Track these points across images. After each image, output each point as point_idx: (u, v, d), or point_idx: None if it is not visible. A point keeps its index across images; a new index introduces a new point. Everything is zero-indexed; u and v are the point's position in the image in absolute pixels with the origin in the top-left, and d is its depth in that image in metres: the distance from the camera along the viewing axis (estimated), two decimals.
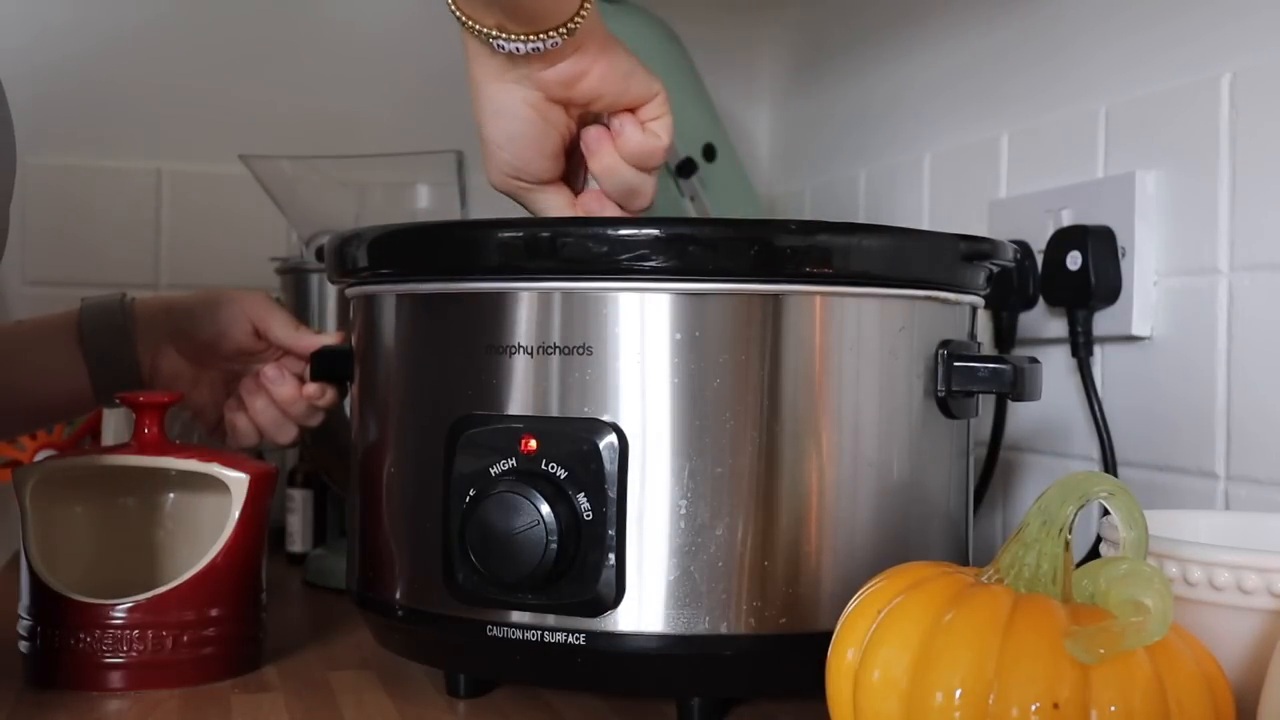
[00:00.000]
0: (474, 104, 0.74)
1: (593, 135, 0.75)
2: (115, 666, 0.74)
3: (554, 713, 0.71)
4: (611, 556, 0.64)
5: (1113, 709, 0.47)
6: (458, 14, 0.70)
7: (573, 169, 0.78)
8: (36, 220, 1.24)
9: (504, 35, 0.69)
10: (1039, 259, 0.94)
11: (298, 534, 1.17)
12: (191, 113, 1.35)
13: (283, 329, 0.88)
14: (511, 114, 0.73)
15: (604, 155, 0.75)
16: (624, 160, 0.75)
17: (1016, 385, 0.69)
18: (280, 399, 0.87)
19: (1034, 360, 0.72)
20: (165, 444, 0.80)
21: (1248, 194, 0.81)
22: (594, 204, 0.77)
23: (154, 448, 0.80)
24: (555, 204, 0.77)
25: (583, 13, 0.69)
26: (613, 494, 0.64)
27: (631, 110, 0.75)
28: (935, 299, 0.70)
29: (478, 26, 0.69)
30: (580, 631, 0.64)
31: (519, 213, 0.79)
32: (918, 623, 0.50)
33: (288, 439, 0.90)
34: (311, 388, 0.88)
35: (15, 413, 0.91)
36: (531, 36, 0.69)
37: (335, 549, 1.10)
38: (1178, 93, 0.86)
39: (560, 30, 0.69)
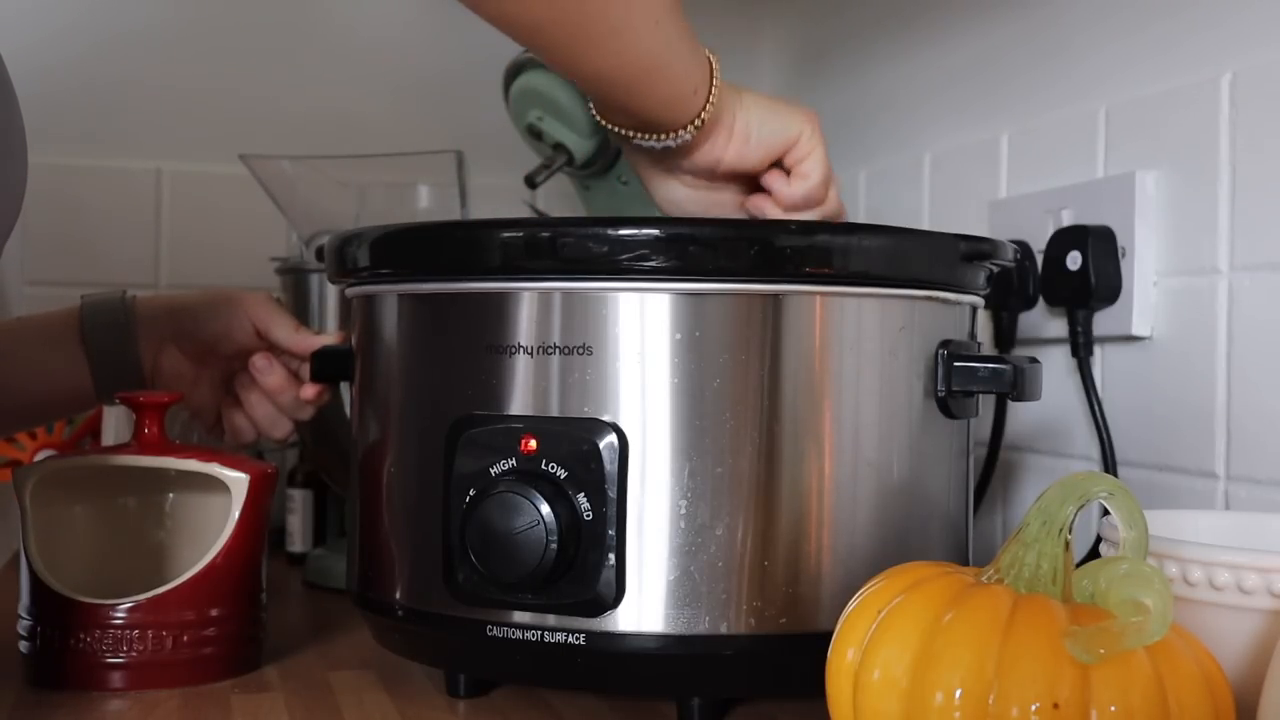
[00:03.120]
0: (650, 197, 0.85)
1: (756, 204, 0.84)
2: (115, 666, 0.74)
3: (554, 713, 0.71)
4: (611, 556, 0.64)
5: (1113, 709, 0.47)
6: (600, 119, 0.80)
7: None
8: (36, 220, 1.24)
9: (639, 136, 0.78)
10: (1039, 259, 0.94)
11: (298, 534, 1.17)
12: (191, 113, 1.35)
13: (283, 330, 0.89)
14: (679, 199, 0.83)
15: (772, 216, 0.83)
16: (789, 210, 0.83)
17: (1016, 385, 0.69)
18: (269, 388, 0.88)
19: (1034, 360, 0.72)
20: (165, 444, 0.80)
21: (1248, 194, 0.81)
22: None
23: (154, 448, 0.80)
24: None
25: (707, 109, 0.77)
26: (613, 494, 0.64)
27: (780, 160, 0.83)
28: (935, 299, 0.70)
29: (619, 130, 0.79)
30: (580, 631, 0.65)
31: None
32: (918, 623, 0.50)
33: (282, 434, 0.91)
34: (310, 388, 0.88)
35: (15, 410, 0.91)
36: (662, 136, 0.78)
37: (335, 549, 1.10)
38: (1178, 93, 0.86)
39: (688, 128, 0.77)
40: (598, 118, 0.79)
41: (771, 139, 0.81)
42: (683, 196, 0.83)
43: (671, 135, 0.77)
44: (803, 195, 0.82)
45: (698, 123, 0.77)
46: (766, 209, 0.83)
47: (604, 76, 0.73)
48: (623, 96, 0.75)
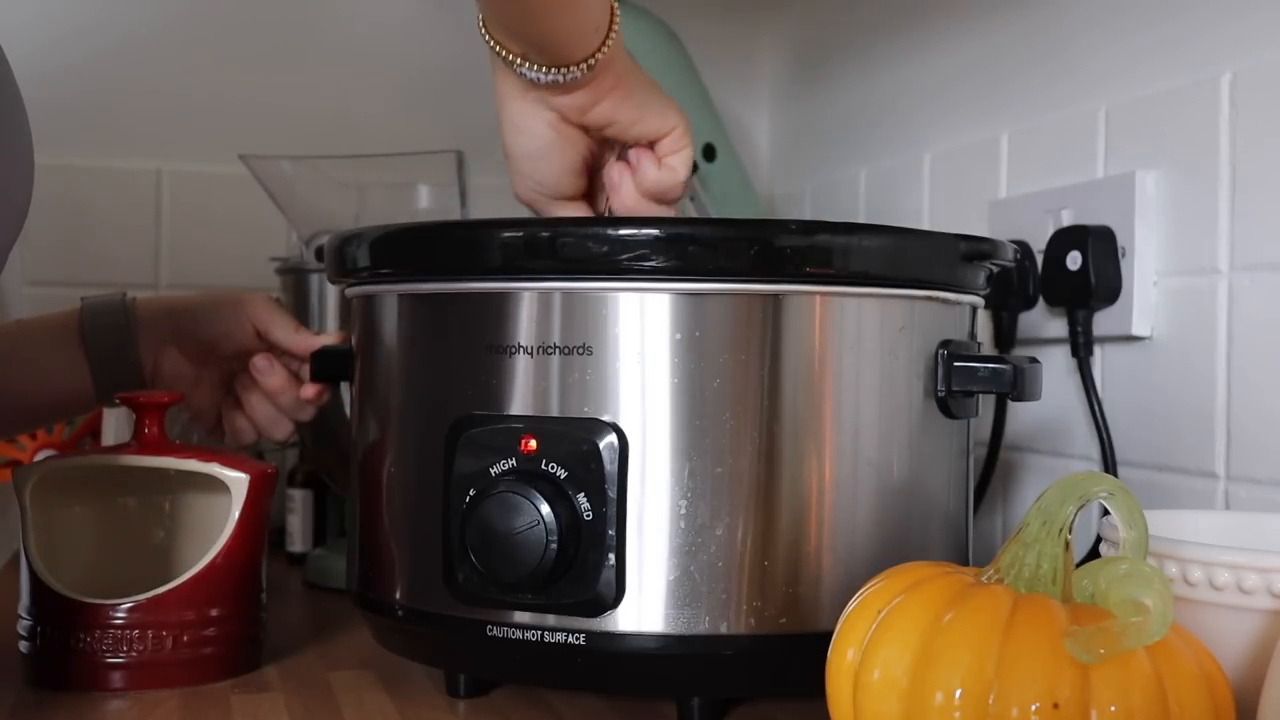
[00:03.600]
0: (499, 119, 0.77)
1: (614, 172, 0.78)
2: (115, 666, 0.74)
3: (554, 713, 0.71)
4: (611, 556, 0.64)
5: (1113, 709, 0.47)
6: (486, 37, 0.73)
7: (595, 188, 0.80)
8: (36, 220, 1.23)
9: (527, 64, 0.72)
10: (1039, 259, 0.94)
11: (298, 534, 1.17)
12: (191, 113, 1.35)
13: (284, 331, 0.89)
14: (531, 132, 0.76)
15: (624, 193, 0.78)
16: (644, 195, 0.78)
17: (1016, 385, 0.69)
18: (269, 389, 0.88)
19: (1034, 360, 0.72)
20: (165, 444, 0.80)
21: (1248, 194, 0.81)
22: None
23: (154, 448, 0.80)
24: None
25: (604, 49, 0.72)
26: (613, 494, 0.64)
27: (651, 143, 0.78)
28: (935, 299, 0.70)
29: (504, 52, 0.72)
30: (580, 631, 0.65)
31: (520, 212, 0.79)
32: (918, 623, 0.50)
33: (283, 435, 0.91)
34: (309, 389, 0.88)
35: (16, 411, 0.91)
36: (553, 69, 0.72)
37: (335, 549, 1.10)
38: (1178, 93, 0.86)
39: (580, 65, 0.72)
40: (484, 33, 0.73)
41: (652, 114, 0.77)
42: (537, 131, 0.76)
43: (561, 70, 0.72)
44: (665, 186, 0.78)
45: (592, 61, 0.72)
46: (626, 182, 0.78)
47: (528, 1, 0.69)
48: (530, 17, 0.70)
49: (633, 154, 0.78)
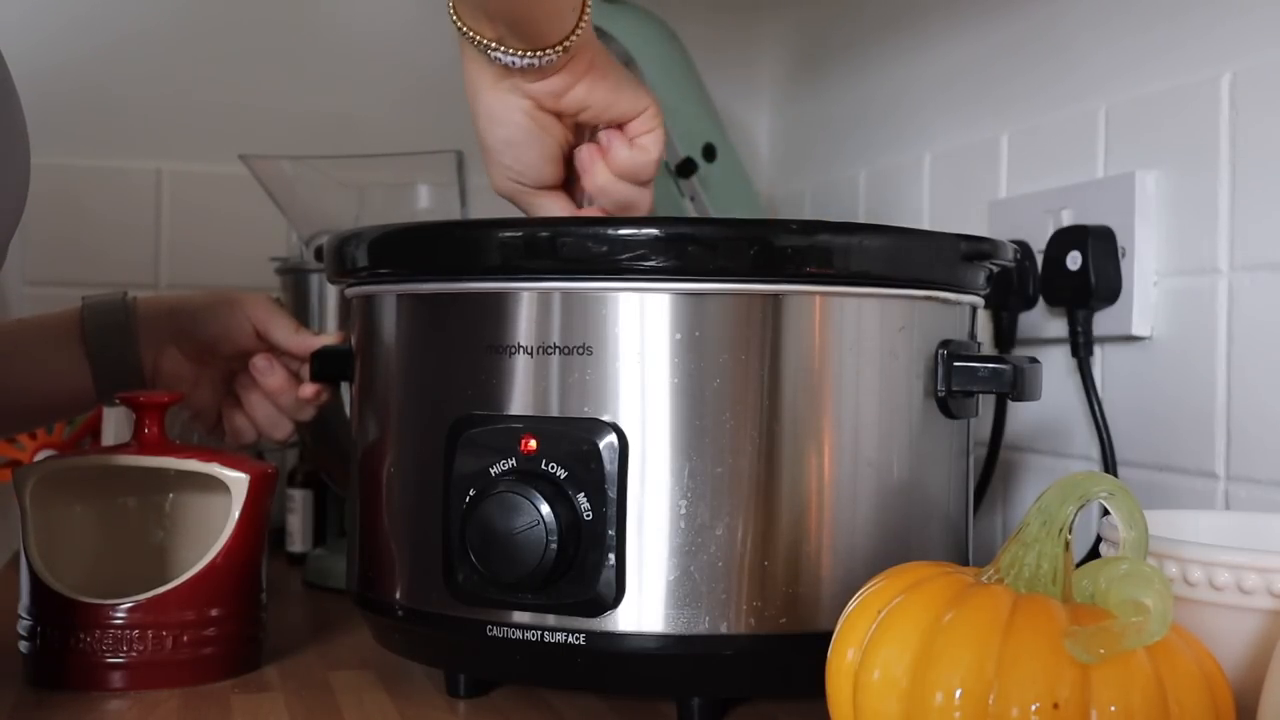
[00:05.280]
0: (471, 109, 0.76)
1: (585, 154, 0.77)
2: (115, 666, 0.74)
3: (554, 713, 0.71)
4: (611, 556, 0.64)
5: (1113, 709, 0.47)
6: (458, 23, 0.71)
7: (572, 178, 0.79)
8: (36, 220, 1.24)
9: (502, 48, 0.71)
10: (1039, 259, 0.94)
11: (298, 534, 1.17)
12: (191, 113, 1.35)
13: (283, 332, 0.89)
14: (506, 121, 0.75)
15: (596, 173, 0.77)
16: (615, 176, 0.77)
17: (1016, 385, 0.69)
18: (269, 389, 0.88)
19: (1034, 360, 0.72)
20: (165, 444, 0.80)
21: (1248, 194, 0.81)
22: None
23: (154, 448, 0.80)
24: (554, 209, 0.79)
25: (578, 31, 0.71)
26: (613, 494, 0.64)
27: (622, 125, 0.77)
28: (935, 299, 0.70)
29: (477, 38, 0.71)
30: (580, 631, 0.65)
31: (520, 213, 0.79)
32: (918, 623, 0.50)
33: (283, 435, 0.91)
34: (309, 388, 0.88)
35: (16, 411, 0.91)
36: (528, 52, 0.71)
37: (335, 549, 1.10)
38: (1178, 93, 0.86)
39: (556, 48, 0.71)
40: (455, 19, 0.72)
41: (624, 96, 0.76)
42: (513, 120, 0.75)
43: (537, 53, 0.71)
44: (639, 165, 0.77)
45: (567, 43, 0.71)
46: (598, 164, 0.77)
47: None
48: None
49: (603, 135, 0.77)
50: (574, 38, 0.71)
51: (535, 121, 0.75)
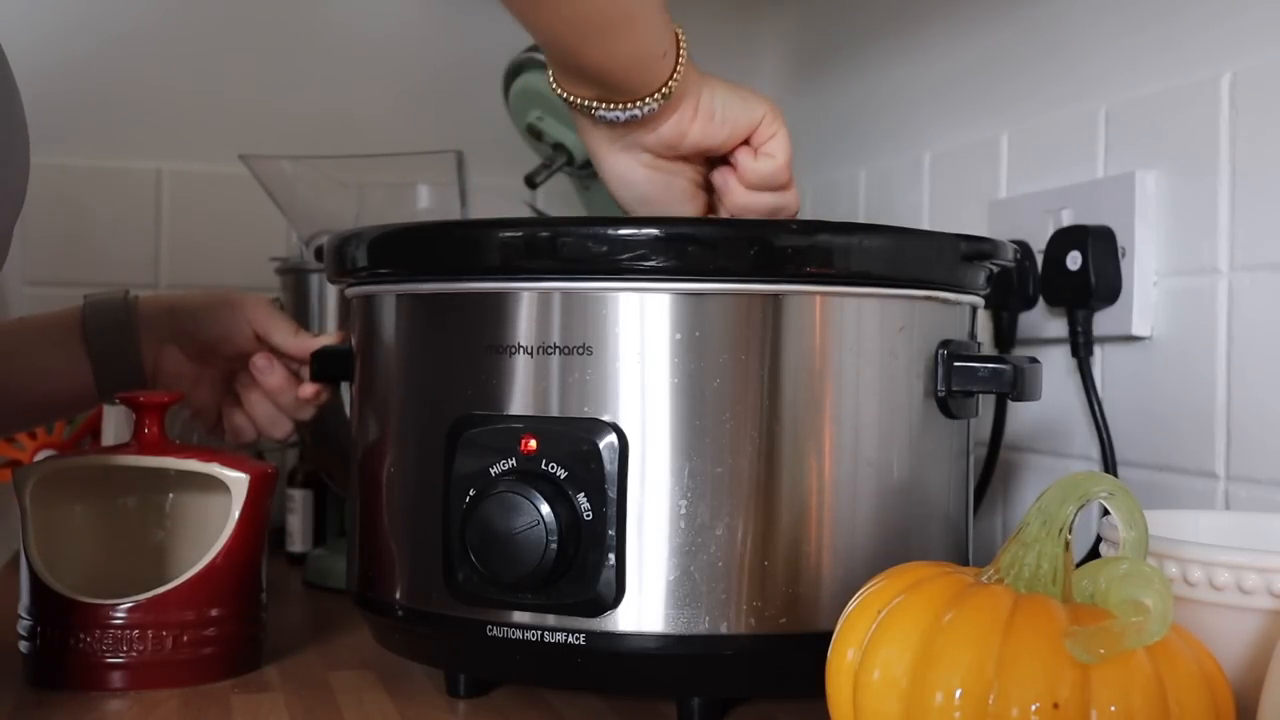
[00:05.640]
0: (601, 176, 0.79)
1: (717, 178, 0.80)
2: (115, 666, 0.74)
3: (554, 713, 0.71)
4: (611, 556, 0.64)
5: (1113, 709, 0.47)
6: (559, 90, 0.74)
7: (716, 203, 0.82)
8: (36, 220, 1.24)
9: (603, 106, 0.73)
10: (1039, 259, 0.94)
11: (298, 534, 1.17)
12: (191, 113, 1.35)
13: (283, 334, 0.89)
14: (634, 179, 0.78)
15: (733, 194, 0.79)
16: (751, 189, 0.79)
17: (1016, 385, 0.69)
18: (269, 388, 0.88)
19: (1034, 360, 0.72)
20: (165, 444, 0.80)
21: (1248, 194, 0.81)
22: None
23: (154, 448, 0.80)
24: None
25: (675, 76, 0.73)
26: (613, 494, 0.64)
27: (747, 139, 0.79)
28: (935, 299, 0.70)
29: (577, 100, 0.73)
30: (580, 631, 0.65)
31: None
32: (918, 623, 0.50)
33: (283, 434, 0.91)
34: (309, 388, 0.88)
35: (17, 409, 0.91)
36: (629, 105, 0.73)
37: (335, 549, 1.10)
38: (1178, 93, 0.86)
39: (655, 96, 0.73)
40: (556, 88, 0.74)
41: (738, 118, 0.78)
42: (640, 176, 0.78)
43: (637, 104, 0.73)
44: (769, 173, 0.79)
45: (665, 90, 0.73)
46: (731, 183, 0.79)
47: (572, 23, 0.68)
48: (590, 48, 0.70)
49: (732, 156, 0.79)
50: (671, 83, 0.73)
51: (660, 171, 0.78)
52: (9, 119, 0.59)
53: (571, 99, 0.74)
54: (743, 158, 0.78)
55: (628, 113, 0.73)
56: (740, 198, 0.79)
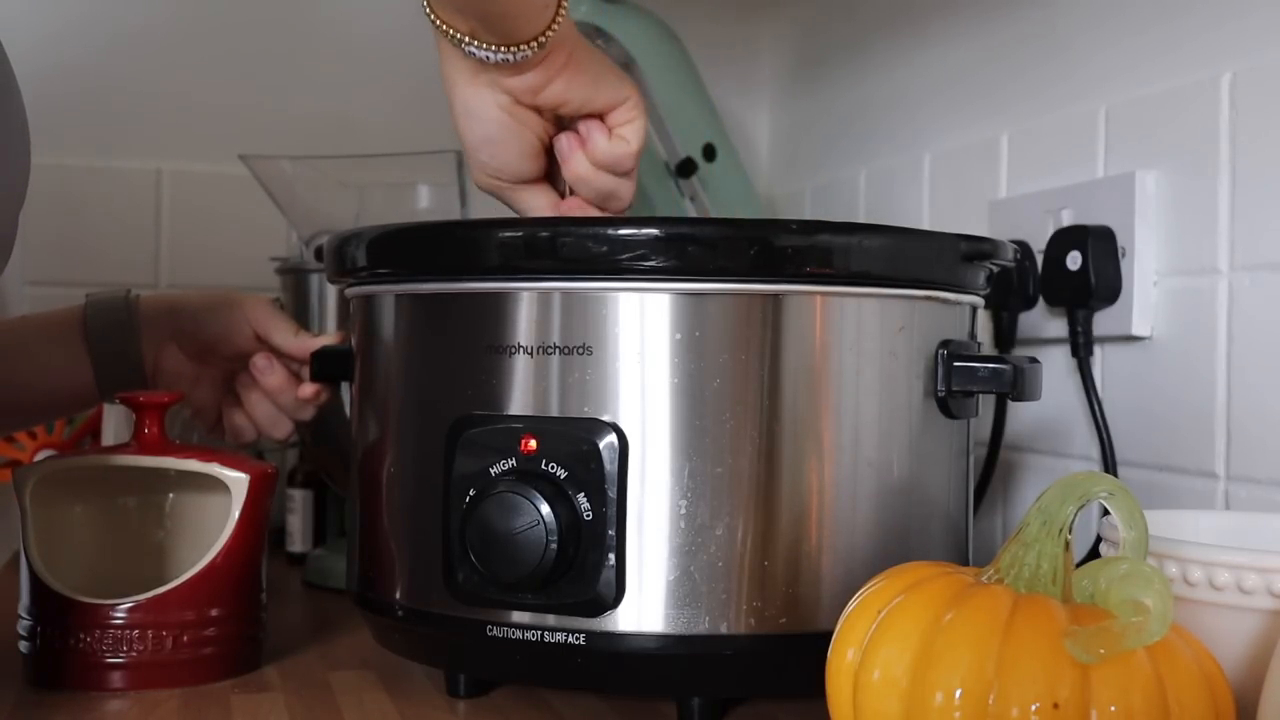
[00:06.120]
0: (450, 106, 0.76)
1: (564, 143, 0.77)
2: (115, 666, 0.74)
3: (554, 713, 0.71)
4: (611, 556, 0.64)
5: (1113, 709, 0.47)
6: (432, 17, 0.71)
7: (555, 169, 0.79)
8: (36, 220, 1.24)
9: (475, 42, 0.70)
10: (1039, 259, 0.94)
11: (298, 534, 1.17)
12: (191, 113, 1.35)
13: (283, 335, 0.89)
14: (484, 116, 0.74)
15: (575, 163, 0.77)
16: (595, 166, 0.76)
17: (1016, 385, 0.69)
18: (269, 388, 0.88)
19: (1034, 360, 0.72)
20: (165, 444, 0.80)
21: (1248, 194, 0.81)
22: (575, 208, 0.78)
23: (154, 448, 0.80)
24: (537, 204, 0.78)
25: (554, 26, 0.70)
26: (613, 494, 0.64)
27: (603, 115, 0.76)
28: (935, 299, 0.70)
29: (451, 31, 0.70)
30: (580, 631, 0.65)
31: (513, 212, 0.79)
32: (918, 623, 0.50)
33: (283, 434, 0.91)
34: (308, 388, 0.88)
35: (18, 408, 0.91)
36: (503, 48, 0.70)
37: (335, 549, 1.10)
38: (1178, 93, 0.86)
39: (531, 44, 0.70)
40: (429, 12, 0.71)
41: (602, 85, 0.76)
42: (492, 116, 0.74)
43: (511, 49, 0.70)
44: (619, 155, 0.76)
45: (543, 39, 0.70)
46: (575, 156, 0.77)
47: None
48: None
49: (582, 126, 0.77)
50: (549, 33, 0.70)
51: (513, 117, 0.75)
52: (7, 119, 0.58)
53: (443, 28, 0.71)
54: (597, 135, 0.76)
55: (500, 54, 0.70)
56: (581, 168, 0.76)
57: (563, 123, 0.78)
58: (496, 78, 0.73)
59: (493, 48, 0.70)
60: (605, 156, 0.76)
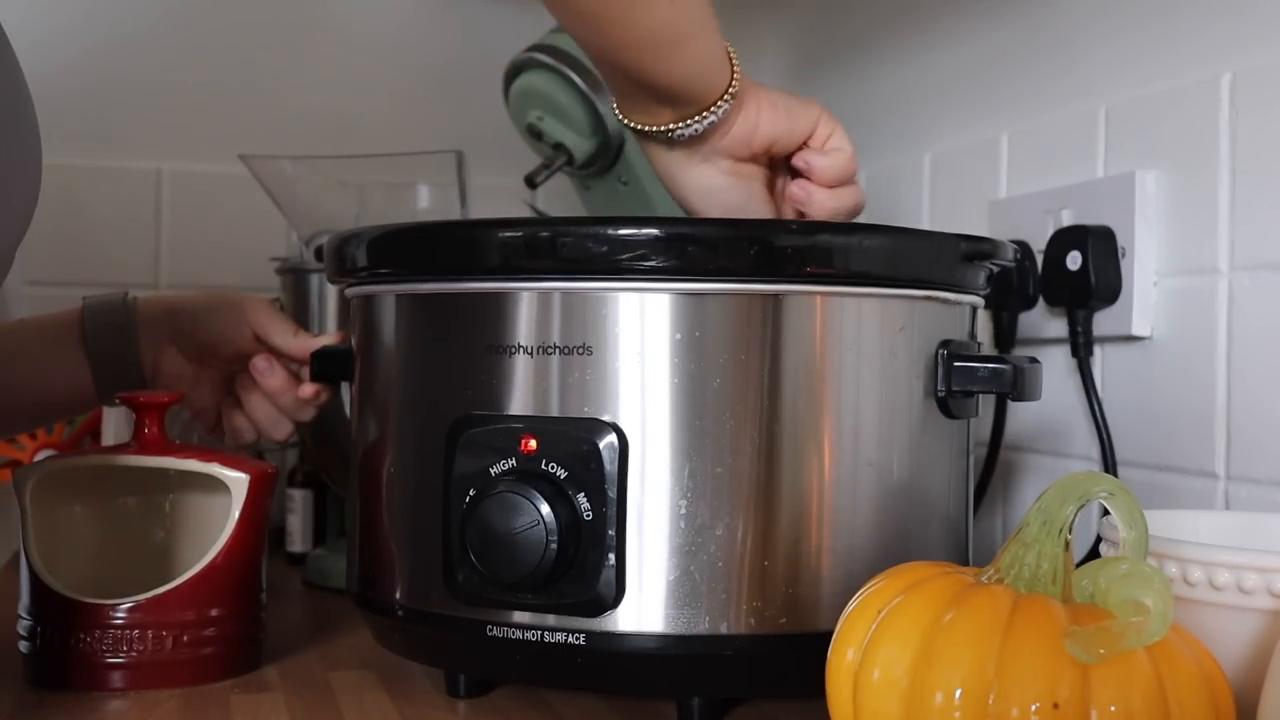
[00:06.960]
0: (677, 198, 0.80)
1: (796, 190, 0.80)
2: (115, 666, 0.74)
3: (554, 713, 0.71)
4: (611, 556, 0.64)
5: (1113, 709, 0.47)
6: (631, 124, 0.76)
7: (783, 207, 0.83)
8: (37, 220, 1.23)
9: (681, 124, 0.74)
10: (1039, 259, 0.94)
11: (298, 534, 1.17)
12: (191, 113, 1.35)
13: (282, 336, 0.89)
14: (717, 190, 0.79)
15: (818, 199, 0.80)
16: (830, 189, 0.79)
17: (1016, 385, 0.69)
18: (269, 389, 0.88)
19: (1034, 360, 0.72)
20: (165, 444, 0.80)
21: (1248, 194, 0.81)
22: None
23: (154, 448, 0.80)
24: None
25: (735, 75, 0.74)
26: (613, 494, 0.64)
27: (806, 141, 0.80)
28: (935, 299, 0.70)
29: (655, 128, 0.74)
30: (580, 631, 0.65)
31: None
32: (918, 623, 0.50)
33: (283, 435, 0.91)
34: (308, 388, 0.88)
35: (17, 410, 0.91)
36: (703, 113, 0.74)
37: (335, 549, 1.10)
38: (1177, 93, 0.86)
39: (725, 96, 0.74)
40: (625, 121, 0.75)
41: (799, 113, 0.79)
42: (722, 184, 0.78)
43: (711, 109, 0.74)
44: (841, 168, 0.80)
45: (733, 89, 0.74)
46: (810, 189, 0.79)
47: (642, 39, 0.69)
48: (661, 63, 0.70)
49: (797, 159, 0.80)
50: (735, 82, 0.74)
51: (739, 176, 0.78)
52: (19, 141, 0.59)
53: (645, 128, 0.75)
54: (813, 158, 0.79)
55: (705, 121, 0.74)
56: (825, 200, 0.79)
57: (777, 165, 0.81)
58: (709, 152, 0.77)
59: (696, 120, 0.74)
60: (834, 172, 0.79)
